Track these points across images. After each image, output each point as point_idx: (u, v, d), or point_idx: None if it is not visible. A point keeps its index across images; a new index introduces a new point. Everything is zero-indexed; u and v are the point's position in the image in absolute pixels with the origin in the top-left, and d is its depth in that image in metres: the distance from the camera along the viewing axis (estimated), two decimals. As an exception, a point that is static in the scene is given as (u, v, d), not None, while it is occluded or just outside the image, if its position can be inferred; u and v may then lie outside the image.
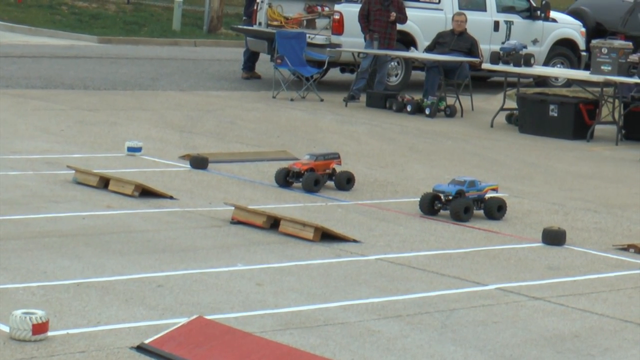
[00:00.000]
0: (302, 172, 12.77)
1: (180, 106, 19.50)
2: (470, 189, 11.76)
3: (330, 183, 12.82)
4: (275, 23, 23.98)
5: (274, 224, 10.59)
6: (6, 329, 7.15)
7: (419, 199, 11.79)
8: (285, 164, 13.13)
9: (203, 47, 32.20)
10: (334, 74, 24.74)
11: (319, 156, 13.10)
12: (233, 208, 10.96)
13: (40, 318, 7.10)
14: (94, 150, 14.27)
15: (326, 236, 10.30)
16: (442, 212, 11.69)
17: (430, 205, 11.73)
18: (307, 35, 22.83)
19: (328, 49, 23.03)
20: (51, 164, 13.08)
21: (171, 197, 11.70)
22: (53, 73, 23.10)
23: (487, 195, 11.94)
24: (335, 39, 23.28)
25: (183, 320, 7.33)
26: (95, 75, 23.19)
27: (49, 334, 7.12)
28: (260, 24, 24.25)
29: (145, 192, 11.67)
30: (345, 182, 12.86)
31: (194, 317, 7.37)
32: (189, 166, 13.59)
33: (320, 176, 12.72)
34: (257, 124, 18.07)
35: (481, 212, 11.77)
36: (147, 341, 7.07)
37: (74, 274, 8.67)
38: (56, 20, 33.88)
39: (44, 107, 18.05)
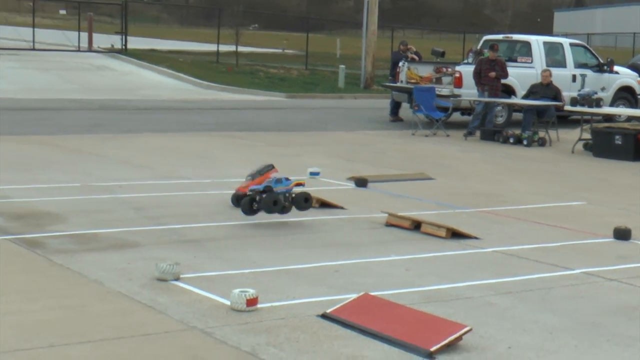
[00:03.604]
0: (245, 194, 10.89)
1: (345, 142, 19.58)
2: (278, 184, 10.54)
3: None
4: (412, 80, 24.03)
5: (417, 226, 10.55)
6: (227, 302, 7.26)
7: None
8: (424, 182, 13.01)
9: (360, 99, 32.32)
10: (456, 116, 24.60)
11: (255, 174, 11.22)
12: (387, 215, 10.95)
13: (252, 294, 7.19)
14: (285, 174, 14.32)
15: (455, 234, 10.24)
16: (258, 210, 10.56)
17: (250, 206, 10.47)
18: (436, 89, 22.83)
19: (451, 98, 23.02)
20: (256, 184, 13.24)
21: (342, 208, 11.72)
22: (253, 120, 23.40)
23: (295, 190, 10.69)
24: (456, 91, 23.25)
25: (353, 296, 7.36)
26: (283, 121, 23.42)
27: (258, 306, 7.20)
28: (402, 81, 24.33)
29: (323, 204, 11.73)
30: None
31: (362, 293, 7.39)
32: (354, 185, 13.63)
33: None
34: (401, 153, 18.05)
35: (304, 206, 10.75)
36: (328, 311, 7.11)
37: (274, 263, 8.76)
38: (255, 82, 34.34)
39: (247, 144, 18.28)
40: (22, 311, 6.99)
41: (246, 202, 10.54)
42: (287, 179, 10.71)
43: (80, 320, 6.84)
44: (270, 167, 11.35)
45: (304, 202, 10.64)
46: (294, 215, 11.15)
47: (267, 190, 10.46)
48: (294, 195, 10.61)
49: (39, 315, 6.90)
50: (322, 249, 9.49)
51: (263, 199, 10.34)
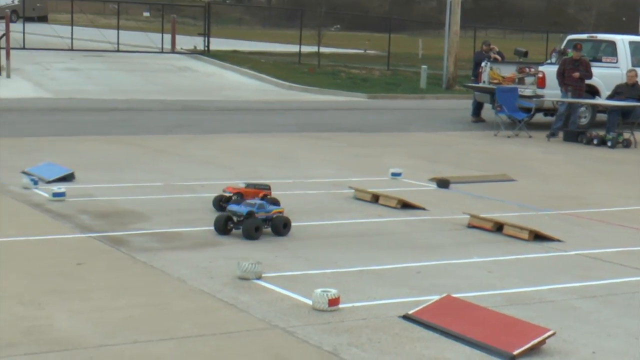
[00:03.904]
0: (232, 196, 10.78)
1: (427, 143, 19.50)
2: (260, 210, 9.81)
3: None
4: (495, 81, 23.85)
5: (499, 227, 10.45)
6: (309, 302, 7.28)
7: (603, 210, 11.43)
8: (506, 184, 12.87)
9: (442, 100, 32.16)
10: (539, 117, 24.35)
11: (250, 185, 11.16)
12: (469, 216, 10.88)
13: (334, 294, 7.20)
14: (366, 175, 14.38)
15: (537, 237, 10.12)
16: (234, 231, 9.78)
17: (225, 225, 9.72)
18: (519, 89, 22.63)
19: (534, 98, 22.79)
20: (337, 185, 13.26)
21: (423, 209, 11.67)
22: (335, 120, 23.42)
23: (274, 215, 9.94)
24: (539, 91, 23.03)
25: (435, 298, 7.32)
26: (365, 122, 23.41)
27: (340, 306, 7.20)
28: (484, 82, 24.17)
29: (405, 205, 11.70)
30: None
31: (444, 295, 7.35)
32: (436, 186, 13.57)
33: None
34: (483, 154, 17.92)
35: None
36: (410, 312, 7.09)
37: (356, 263, 8.75)
38: (337, 83, 34.36)
39: (329, 145, 18.30)
40: (107, 308, 7.09)
41: (222, 221, 9.74)
42: (269, 205, 10.00)
43: (163, 317, 6.91)
44: (266, 187, 11.10)
45: (283, 227, 9.82)
46: (376, 216, 11.15)
47: (250, 215, 9.68)
48: (273, 217, 9.86)
49: (123, 312, 7.00)
50: (404, 250, 9.45)
51: (245, 224, 9.58)
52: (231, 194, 10.81)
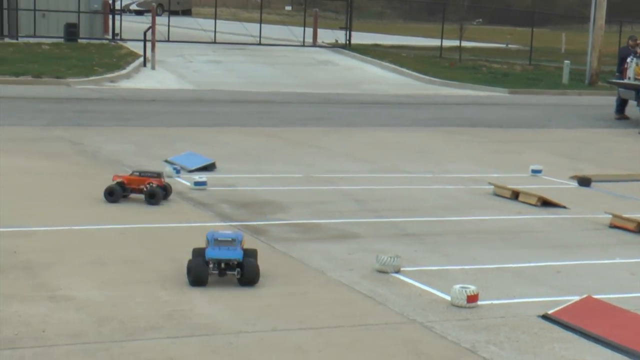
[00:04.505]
0: (119, 183, 10.49)
1: (568, 139, 19.14)
2: (238, 245, 7.62)
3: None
4: (641, 77, 23.26)
5: (643, 229, 10.23)
6: (447, 297, 7.27)
7: None
8: None
9: (585, 96, 31.50)
10: (686, 116, 23.65)
11: (136, 172, 10.79)
12: (611, 216, 10.64)
13: (473, 291, 7.17)
14: (506, 171, 14.20)
15: (683, 239, 9.86)
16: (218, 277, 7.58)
17: (207, 275, 7.42)
18: (666, 87, 22.05)
19: (682, 96, 22.17)
20: (475, 180, 13.14)
21: (564, 207, 11.48)
22: (475, 115, 23.20)
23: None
24: (687, 89, 22.37)
25: (576, 298, 7.20)
26: (505, 117, 23.12)
27: (479, 303, 7.17)
28: (629, 78, 23.56)
29: (545, 203, 11.52)
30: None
31: (584, 296, 7.22)
32: (577, 184, 13.31)
33: (158, 189, 9.72)
34: (627, 153, 17.48)
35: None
36: (549, 312, 6.99)
37: (494, 260, 8.68)
38: (477, 78, 34.00)
39: (468, 140, 18.14)
40: (246, 295, 7.21)
41: (205, 272, 7.43)
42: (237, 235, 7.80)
43: (302, 307, 7.00)
44: (155, 175, 10.67)
45: (255, 275, 7.52)
46: (515, 214, 11.02)
47: (247, 256, 7.59)
48: (243, 260, 7.56)
49: (262, 300, 7.11)
50: (544, 248, 9.32)
51: (246, 269, 7.45)
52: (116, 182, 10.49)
